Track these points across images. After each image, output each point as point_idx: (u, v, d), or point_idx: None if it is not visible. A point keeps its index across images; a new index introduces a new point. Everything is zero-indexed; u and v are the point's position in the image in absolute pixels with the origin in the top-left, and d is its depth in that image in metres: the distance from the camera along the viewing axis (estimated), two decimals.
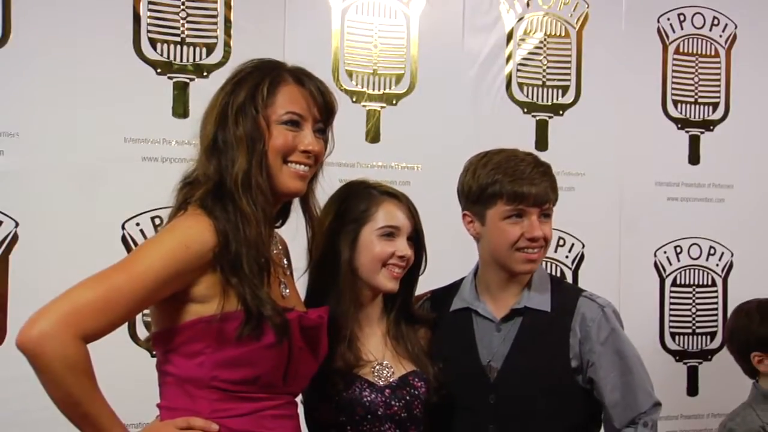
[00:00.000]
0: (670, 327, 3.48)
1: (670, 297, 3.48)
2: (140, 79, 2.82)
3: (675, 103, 3.50)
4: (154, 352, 1.68)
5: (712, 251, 3.52)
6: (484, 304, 2.01)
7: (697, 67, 3.53)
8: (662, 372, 3.20)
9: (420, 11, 3.17)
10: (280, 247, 1.79)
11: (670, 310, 3.48)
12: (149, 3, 2.83)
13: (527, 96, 3.31)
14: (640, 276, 3.42)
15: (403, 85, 3.15)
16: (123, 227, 2.77)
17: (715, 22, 3.54)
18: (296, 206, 1.77)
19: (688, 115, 3.51)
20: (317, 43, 3.03)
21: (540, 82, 3.33)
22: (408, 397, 1.86)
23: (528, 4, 3.31)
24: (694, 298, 3.51)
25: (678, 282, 3.49)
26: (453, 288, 2.09)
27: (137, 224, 2.78)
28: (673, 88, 3.49)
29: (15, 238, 2.65)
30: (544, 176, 1.94)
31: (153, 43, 2.84)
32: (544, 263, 2.06)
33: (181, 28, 2.88)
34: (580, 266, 3.34)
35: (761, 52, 3.57)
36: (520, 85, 3.30)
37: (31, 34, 2.68)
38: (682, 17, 3.50)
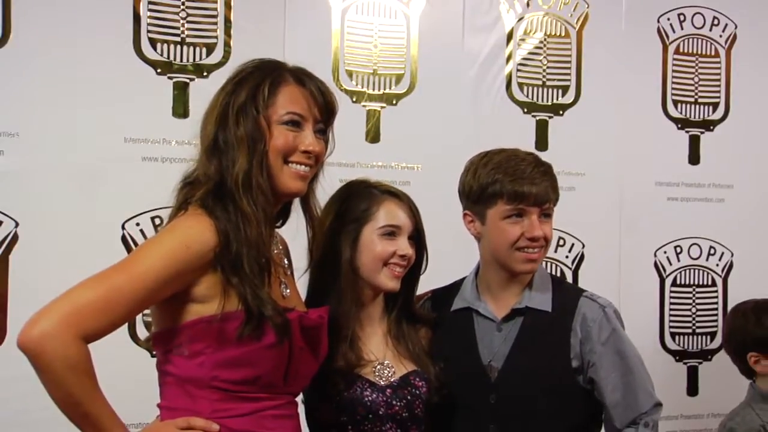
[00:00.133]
0: (670, 327, 3.48)
1: (670, 297, 3.48)
2: (140, 79, 2.82)
3: (675, 103, 3.50)
4: (154, 352, 1.68)
5: (712, 251, 3.52)
6: (485, 304, 2.01)
7: (697, 67, 3.53)
8: (662, 372, 3.20)
9: (420, 11, 3.17)
10: (280, 247, 1.80)
11: (670, 310, 3.48)
12: (149, 3, 2.83)
13: (527, 96, 3.31)
14: (640, 276, 3.42)
15: (403, 85, 3.15)
16: (123, 227, 2.77)
17: (715, 22, 3.54)
18: (296, 206, 1.77)
19: (688, 115, 3.51)
20: (317, 43, 3.03)
21: (540, 82, 3.33)
22: (409, 397, 1.86)
23: (528, 4, 3.31)
24: (694, 298, 3.51)
25: (678, 282, 3.49)
26: (454, 288, 2.09)
27: (137, 224, 2.78)
28: (673, 88, 3.49)
29: (15, 238, 2.65)
30: (544, 176, 1.94)
31: (153, 43, 2.84)
32: (543, 263, 2.05)
33: (181, 28, 2.88)
34: (580, 266, 3.34)
35: (761, 52, 3.57)
36: (520, 85, 3.30)
37: (31, 34, 2.68)
38: (682, 17, 3.50)
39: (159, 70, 2.86)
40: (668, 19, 3.49)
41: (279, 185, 1.64)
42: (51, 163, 2.68)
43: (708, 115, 3.54)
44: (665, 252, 3.47)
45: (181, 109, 2.86)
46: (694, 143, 3.52)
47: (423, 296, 2.10)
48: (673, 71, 3.49)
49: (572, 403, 1.95)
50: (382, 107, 3.12)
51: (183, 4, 2.88)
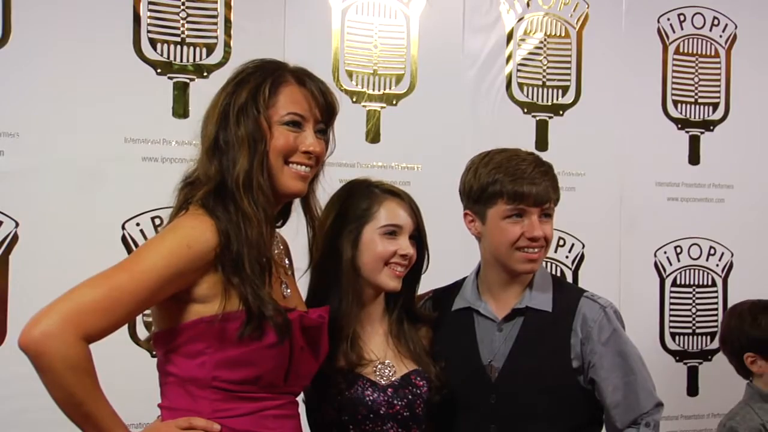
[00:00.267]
0: (670, 327, 3.48)
1: (670, 297, 3.48)
2: (140, 79, 2.82)
3: (675, 103, 3.50)
4: (154, 353, 1.68)
5: (712, 251, 3.52)
6: (485, 304, 2.01)
7: (697, 67, 3.53)
8: (662, 372, 3.20)
9: (420, 11, 3.17)
10: (281, 247, 1.80)
11: (670, 310, 3.48)
12: (149, 3, 2.83)
13: (527, 96, 3.31)
14: (640, 276, 3.42)
15: (403, 86, 3.15)
16: (123, 227, 2.77)
17: (715, 22, 3.54)
18: (297, 206, 1.77)
19: (688, 115, 3.51)
20: (317, 43, 3.03)
21: (540, 83, 3.33)
22: (410, 397, 1.86)
23: (528, 5, 3.31)
24: (694, 298, 3.51)
25: (678, 282, 3.49)
26: (454, 287, 2.09)
27: (137, 224, 2.78)
28: (673, 88, 3.49)
29: (15, 238, 2.65)
30: (545, 176, 1.94)
31: (153, 43, 2.84)
32: (543, 263, 2.05)
33: (181, 28, 2.88)
34: (580, 266, 3.34)
35: (761, 52, 3.57)
36: (520, 86, 3.30)
37: (31, 34, 2.68)
38: (682, 17, 3.50)
39: (159, 70, 2.86)
40: (668, 20, 3.49)
41: (279, 185, 1.63)
42: (51, 163, 2.68)
43: (708, 116, 3.54)
44: (665, 252, 3.47)
45: (181, 109, 2.86)
46: (694, 143, 3.52)
47: (424, 296, 2.10)
48: (673, 71, 3.49)
49: (572, 403, 1.95)
50: (382, 107, 3.12)
51: (183, 4, 2.88)
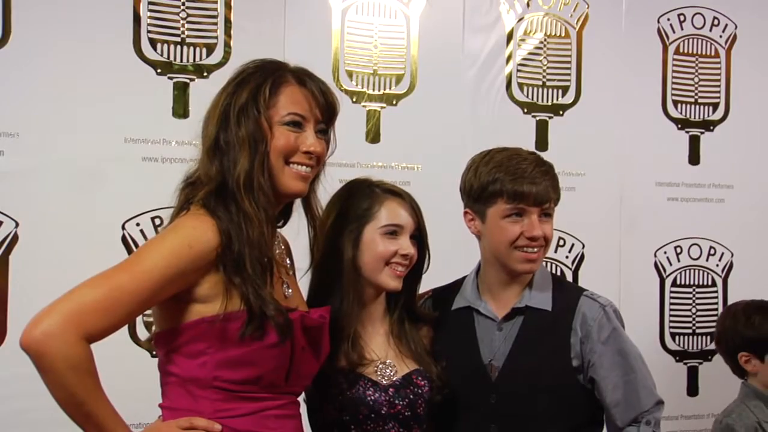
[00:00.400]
0: (670, 327, 3.48)
1: (670, 297, 3.49)
2: (140, 79, 2.82)
3: (675, 103, 3.50)
4: (154, 353, 1.68)
5: (712, 251, 3.52)
6: (485, 303, 2.01)
7: (697, 68, 3.53)
8: (662, 372, 3.20)
9: (420, 11, 3.17)
10: (282, 247, 1.80)
11: (670, 310, 3.49)
12: (149, 3, 2.83)
13: (527, 96, 3.32)
14: (640, 276, 3.42)
15: (403, 86, 3.15)
16: (123, 227, 2.77)
17: (715, 22, 3.54)
18: (298, 206, 1.77)
19: (688, 116, 3.52)
20: (317, 43, 3.03)
21: (540, 83, 3.33)
22: (411, 396, 1.86)
23: (528, 5, 3.31)
24: (694, 298, 3.51)
25: (678, 282, 3.49)
26: (454, 287, 2.09)
27: (137, 224, 2.78)
28: (673, 89, 3.50)
29: (15, 238, 2.65)
30: (545, 175, 1.94)
31: (153, 43, 2.84)
32: (543, 263, 2.05)
33: (181, 29, 2.88)
34: (580, 266, 3.34)
35: (761, 52, 3.58)
36: (520, 86, 3.30)
37: (31, 34, 2.68)
38: (682, 17, 3.51)
39: (159, 70, 2.86)
40: (668, 20, 3.49)
41: (280, 186, 1.63)
42: (51, 163, 2.68)
43: (708, 116, 3.54)
44: (665, 252, 3.47)
45: (181, 109, 2.86)
46: (694, 143, 3.52)
47: (423, 295, 2.10)
48: (673, 71, 3.50)
49: (573, 402, 1.95)
50: (382, 107, 3.12)
51: (183, 4, 2.88)
